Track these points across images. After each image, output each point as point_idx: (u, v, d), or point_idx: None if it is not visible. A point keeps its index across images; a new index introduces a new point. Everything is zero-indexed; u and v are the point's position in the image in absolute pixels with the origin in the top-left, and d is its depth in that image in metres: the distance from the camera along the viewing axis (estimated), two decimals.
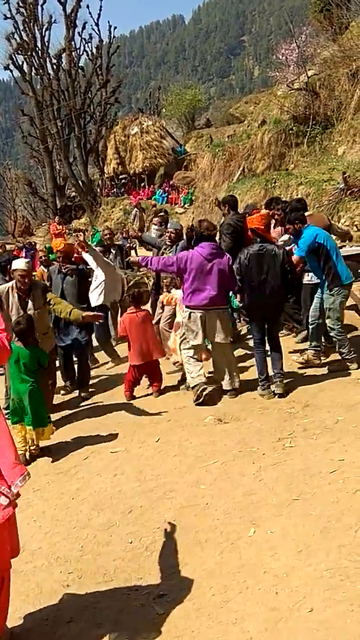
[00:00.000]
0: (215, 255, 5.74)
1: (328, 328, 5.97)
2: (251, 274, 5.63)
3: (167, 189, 27.33)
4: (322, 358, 6.31)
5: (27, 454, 5.28)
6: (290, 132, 17.04)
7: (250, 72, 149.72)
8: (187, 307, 5.81)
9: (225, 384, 5.91)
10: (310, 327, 6.27)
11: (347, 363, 5.90)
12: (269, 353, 5.82)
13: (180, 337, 6.03)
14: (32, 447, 5.30)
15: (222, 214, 8.13)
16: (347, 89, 15.44)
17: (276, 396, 5.60)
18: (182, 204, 25.36)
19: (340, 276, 5.82)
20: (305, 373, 6.05)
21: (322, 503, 3.54)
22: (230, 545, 3.37)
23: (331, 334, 5.99)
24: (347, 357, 5.90)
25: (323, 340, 6.39)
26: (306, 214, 6.33)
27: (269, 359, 5.82)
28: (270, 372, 5.77)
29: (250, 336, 6.44)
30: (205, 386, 5.74)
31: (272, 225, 7.01)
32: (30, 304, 5.81)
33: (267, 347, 5.86)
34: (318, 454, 4.22)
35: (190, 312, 5.77)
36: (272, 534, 3.36)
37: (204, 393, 5.71)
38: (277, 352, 5.80)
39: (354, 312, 7.66)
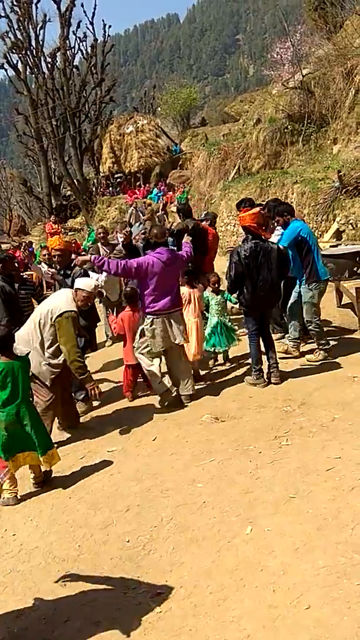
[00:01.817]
0: (173, 260, 5.76)
1: (305, 321, 6.25)
2: (248, 270, 5.74)
3: (162, 188, 27.29)
4: (300, 350, 6.60)
5: (32, 483, 4.72)
6: (286, 130, 17.02)
7: (245, 70, 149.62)
8: (150, 313, 5.69)
9: (183, 389, 5.90)
10: (290, 320, 6.56)
11: (325, 353, 6.20)
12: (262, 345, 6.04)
13: (140, 344, 5.96)
14: (37, 477, 4.72)
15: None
16: (341, 87, 15.42)
17: (271, 385, 5.84)
18: (177, 203, 25.33)
19: (318, 272, 6.10)
20: (301, 372, 6.06)
21: (319, 501, 3.55)
22: (227, 543, 3.37)
23: (309, 327, 6.25)
24: (323, 348, 6.22)
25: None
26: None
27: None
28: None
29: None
30: (170, 392, 5.85)
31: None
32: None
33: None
34: (314, 452, 4.23)
35: (154, 318, 5.67)
36: (269, 532, 3.37)
37: (169, 398, 5.85)
38: (271, 344, 6.00)
39: (350, 310, 7.70)
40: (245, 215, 5.88)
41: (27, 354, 4.86)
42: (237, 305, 6.80)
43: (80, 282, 5.49)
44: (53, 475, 4.83)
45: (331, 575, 2.87)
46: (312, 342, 6.55)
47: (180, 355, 5.94)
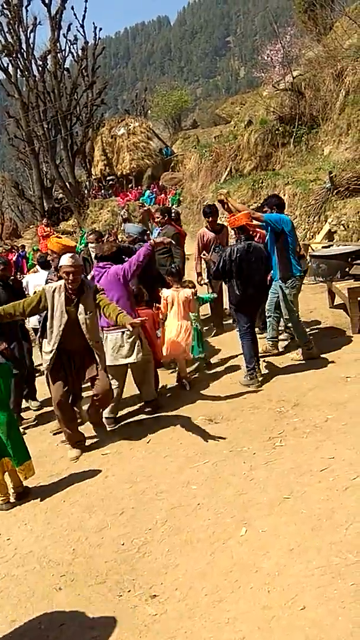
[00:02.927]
0: (112, 273, 5.66)
1: (284, 319, 6.44)
2: (240, 269, 5.88)
3: (154, 190, 27.31)
4: (279, 348, 6.84)
5: (12, 496, 4.61)
6: (277, 132, 17.09)
7: (236, 72, 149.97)
8: (107, 329, 5.55)
9: (146, 395, 5.88)
10: (267, 319, 6.70)
11: (308, 351, 6.29)
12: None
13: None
14: (17, 487, 4.62)
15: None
16: (332, 89, 15.49)
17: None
18: (170, 205, 25.35)
19: (293, 268, 6.16)
20: (294, 372, 6.08)
21: (313, 501, 3.56)
22: (221, 545, 3.38)
23: (288, 325, 6.48)
24: (304, 344, 6.31)
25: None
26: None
27: None
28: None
29: None
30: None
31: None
32: (81, 307, 5.02)
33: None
34: (308, 452, 4.24)
35: (109, 334, 5.55)
36: (264, 533, 3.37)
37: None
38: (255, 340, 6.18)
39: (342, 310, 7.72)
40: (240, 216, 5.95)
41: (7, 362, 4.85)
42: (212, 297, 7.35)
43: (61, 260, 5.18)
44: (48, 479, 4.82)
45: (325, 576, 2.88)
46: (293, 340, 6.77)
47: (136, 368, 5.75)
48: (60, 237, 6.99)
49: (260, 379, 5.99)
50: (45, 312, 5.13)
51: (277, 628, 2.64)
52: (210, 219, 7.97)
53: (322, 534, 3.22)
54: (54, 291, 5.00)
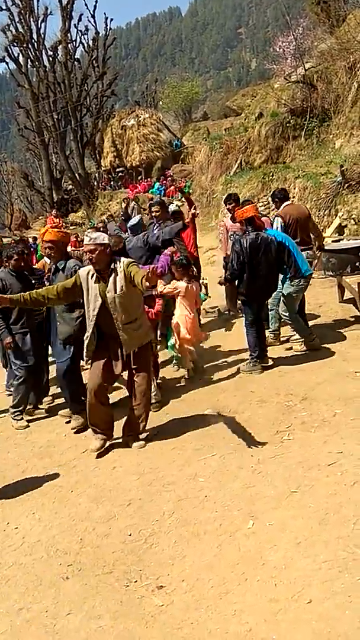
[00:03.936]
0: None
1: (281, 315, 6.52)
2: (249, 260, 5.98)
3: (164, 182, 27.23)
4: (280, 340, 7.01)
5: None
6: (288, 125, 16.97)
7: (247, 64, 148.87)
8: None
9: None
10: (270, 312, 6.91)
11: (309, 342, 6.45)
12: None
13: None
14: None
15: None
16: (344, 81, 15.36)
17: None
18: (179, 197, 25.28)
19: (301, 269, 6.25)
20: (302, 366, 6.06)
21: (321, 495, 3.56)
22: (228, 537, 3.38)
23: (285, 320, 6.54)
24: (306, 337, 6.47)
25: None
26: (286, 203, 6.92)
27: None
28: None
29: None
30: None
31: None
32: (110, 286, 4.68)
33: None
34: (316, 446, 4.23)
35: None
36: (271, 526, 3.38)
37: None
38: (260, 331, 6.32)
39: (352, 305, 7.69)
40: (247, 208, 6.12)
41: None
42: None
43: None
44: (56, 469, 4.85)
45: (332, 570, 2.88)
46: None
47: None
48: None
49: (261, 367, 6.13)
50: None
51: (283, 621, 2.64)
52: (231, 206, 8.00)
53: (330, 528, 3.22)
54: (87, 274, 4.77)
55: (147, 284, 4.37)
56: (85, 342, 4.87)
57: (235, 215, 6.31)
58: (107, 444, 5.06)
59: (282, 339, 7.02)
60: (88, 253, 4.66)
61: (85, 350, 4.91)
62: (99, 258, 4.65)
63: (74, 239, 15.36)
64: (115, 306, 4.68)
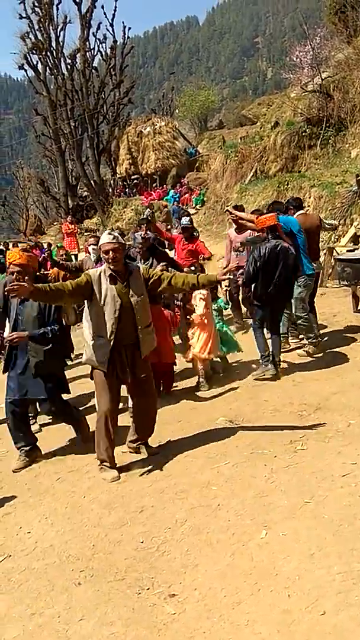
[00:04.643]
0: None
1: (295, 316, 6.71)
2: (268, 266, 6.05)
3: (179, 190, 27.30)
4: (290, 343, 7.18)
5: None
6: (304, 134, 16.98)
7: (264, 73, 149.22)
8: None
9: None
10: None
11: (314, 347, 6.72)
12: (269, 336, 6.36)
13: None
14: None
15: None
16: None
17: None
18: (193, 205, 25.35)
19: (305, 267, 6.54)
20: (316, 376, 6.04)
21: (335, 506, 3.54)
22: (241, 546, 3.37)
23: (298, 322, 6.73)
24: (312, 341, 6.74)
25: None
26: (300, 212, 7.06)
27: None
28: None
29: None
30: None
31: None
32: (132, 289, 4.53)
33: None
34: (330, 457, 4.21)
35: None
36: (284, 537, 3.36)
37: None
38: (278, 335, 6.39)
39: None
40: (268, 217, 6.23)
41: None
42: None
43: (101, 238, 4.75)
44: (68, 474, 4.86)
45: (347, 582, 2.86)
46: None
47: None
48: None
49: (273, 369, 6.20)
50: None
51: (297, 632, 2.63)
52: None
53: (344, 539, 3.20)
54: (99, 275, 4.53)
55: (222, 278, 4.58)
56: (96, 350, 4.56)
57: (255, 223, 6.35)
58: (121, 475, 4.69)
59: (292, 344, 7.13)
60: (111, 252, 4.44)
61: (95, 359, 4.59)
62: (120, 258, 4.51)
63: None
64: (138, 308, 4.55)
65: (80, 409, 6.04)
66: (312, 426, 4.84)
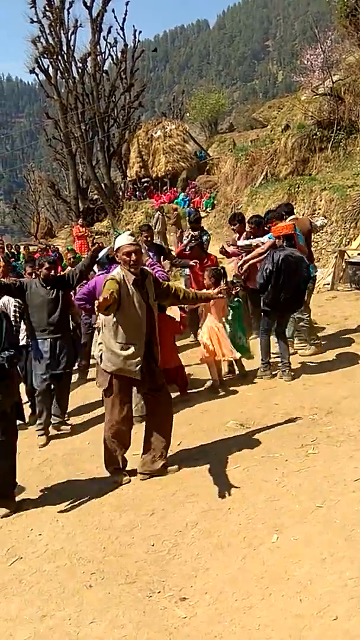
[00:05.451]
0: None
1: (297, 318, 6.82)
2: (280, 274, 6.05)
3: (189, 193, 27.33)
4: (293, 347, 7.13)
5: None
6: (314, 137, 16.94)
7: (274, 76, 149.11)
8: None
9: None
10: None
11: (315, 348, 6.87)
12: (276, 342, 6.45)
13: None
14: None
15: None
16: None
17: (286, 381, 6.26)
18: (204, 208, 25.36)
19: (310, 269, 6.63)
20: (328, 380, 6.01)
21: (347, 511, 3.52)
22: (252, 550, 3.36)
23: (300, 324, 6.90)
24: (314, 343, 6.92)
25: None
26: (291, 217, 7.04)
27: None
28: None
29: None
30: None
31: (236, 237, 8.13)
32: (150, 293, 4.39)
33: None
34: (342, 461, 4.18)
35: None
36: (295, 541, 3.34)
37: None
38: (285, 342, 6.42)
39: None
40: (284, 225, 6.32)
41: None
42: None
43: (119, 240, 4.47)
44: (79, 476, 4.86)
45: (359, 587, 2.84)
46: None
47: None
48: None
49: (271, 374, 6.43)
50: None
51: (309, 637, 2.61)
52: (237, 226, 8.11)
53: (356, 544, 3.18)
54: (122, 277, 4.25)
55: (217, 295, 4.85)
56: (127, 359, 4.30)
57: (271, 230, 6.43)
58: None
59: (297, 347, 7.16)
60: (133, 254, 4.23)
61: (128, 368, 4.32)
62: (141, 260, 4.37)
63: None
64: (155, 312, 4.42)
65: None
66: (323, 430, 4.81)
